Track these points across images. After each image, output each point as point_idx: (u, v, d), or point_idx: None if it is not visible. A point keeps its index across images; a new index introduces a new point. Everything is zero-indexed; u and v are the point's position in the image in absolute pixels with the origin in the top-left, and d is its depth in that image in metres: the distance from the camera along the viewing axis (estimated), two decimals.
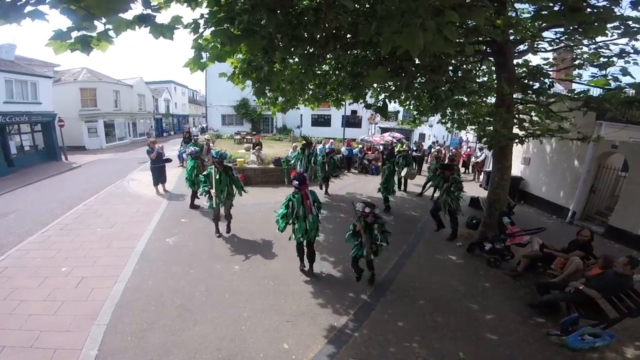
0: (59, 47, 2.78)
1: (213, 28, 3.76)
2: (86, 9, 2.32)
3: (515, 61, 6.26)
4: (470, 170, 15.85)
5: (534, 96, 5.93)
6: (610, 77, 5.32)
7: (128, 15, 2.66)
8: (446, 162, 13.26)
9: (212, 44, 4.13)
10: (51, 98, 17.98)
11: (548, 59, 6.70)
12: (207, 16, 3.85)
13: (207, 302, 4.56)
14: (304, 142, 10.29)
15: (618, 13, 4.12)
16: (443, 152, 15.85)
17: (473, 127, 7.00)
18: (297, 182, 5.03)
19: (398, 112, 25.53)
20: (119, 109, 26.13)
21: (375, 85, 7.53)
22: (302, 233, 5.03)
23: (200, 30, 3.96)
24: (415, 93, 7.73)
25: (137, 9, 2.64)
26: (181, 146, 14.60)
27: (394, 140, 18.52)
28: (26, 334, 3.80)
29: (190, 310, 4.36)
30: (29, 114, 16.21)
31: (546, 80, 6.10)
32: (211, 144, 14.11)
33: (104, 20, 2.56)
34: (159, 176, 10.06)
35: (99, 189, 10.97)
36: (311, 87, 7.65)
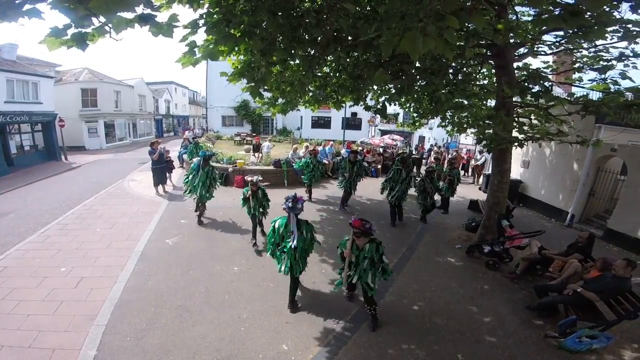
0: (53, 44, 2.78)
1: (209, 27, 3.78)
2: (89, 9, 2.33)
3: (515, 64, 6.28)
4: (469, 173, 15.88)
5: (533, 99, 5.98)
6: (609, 81, 5.35)
7: (128, 14, 2.67)
8: (446, 164, 13.27)
9: (206, 41, 4.15)
10: (52, 98, 17.97)
11: (548, 62, 6.74)
12: (205, 16, 3.88)
13: (206, 303, 4.56)
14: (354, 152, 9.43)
15: (618, 16, 4.15)
16: (443, 154, 15.87)
17: (473, 130, 7.02)
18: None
19: (398, 114, 25.66)
20: (119, 109, 26.12)
21: (375, 87, 7.54)
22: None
23: (199, 29, 3.98)
24: (416, 95, 7.76)
25: (138, 8, 2.64)
26: (182, 148, 14.66)
27: (396, 144, 18.53)
28: (25, 334, 3.80)
29: (190, 311, 4.36)
30: (29, 114, 16.21)
31: (546, 83, 6.14)
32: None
33: (102, 18, 2.57)
34: (160, 177, 10.09)
35: (99, 189, 10.97)
36: (311, 88, 7.66)
